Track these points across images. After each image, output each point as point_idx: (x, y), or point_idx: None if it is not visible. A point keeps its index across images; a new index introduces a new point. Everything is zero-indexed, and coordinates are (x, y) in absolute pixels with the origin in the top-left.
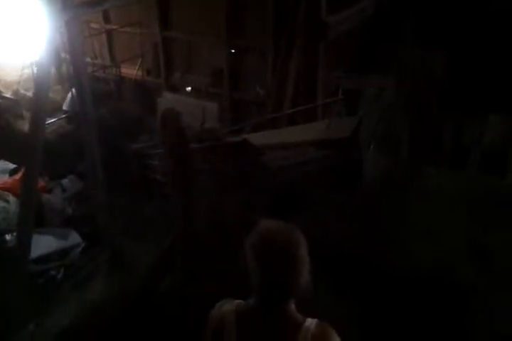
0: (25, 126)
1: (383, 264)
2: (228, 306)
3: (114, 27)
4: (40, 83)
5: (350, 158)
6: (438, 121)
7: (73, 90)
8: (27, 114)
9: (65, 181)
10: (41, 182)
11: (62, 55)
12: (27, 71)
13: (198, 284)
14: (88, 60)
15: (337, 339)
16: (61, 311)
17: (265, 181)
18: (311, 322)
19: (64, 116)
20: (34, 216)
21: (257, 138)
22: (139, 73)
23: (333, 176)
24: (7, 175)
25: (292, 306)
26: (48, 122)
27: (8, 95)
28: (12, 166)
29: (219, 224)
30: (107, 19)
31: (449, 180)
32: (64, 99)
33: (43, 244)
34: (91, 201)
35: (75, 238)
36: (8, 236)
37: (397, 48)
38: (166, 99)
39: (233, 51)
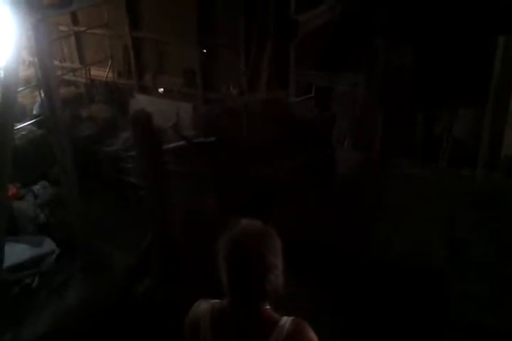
0: None
1: (359, 254)
2: (204, 306)
3: (82, 29)
4: (7, 87)
5: (323, 155)
6: (409, 114)
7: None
8: None
9: (36, 187)
10: (13, 189)
11: (31, 58)
12: None
13: (175, 287)
14: (57, 63)
15: (312, 335)
16: (38, 319)
17: (240, 179)
18: (286, 320)
19: (33, 120)
20: (6, 224)
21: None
22: (110, 75)
23: (307, 173)
24: None
25: (266, 305)
26: (17, 127)
27: None
28: None
29: (195, 225)
30: (75, 21)
31: (421, 171)
32: (33, 103)
33: (16, 252)
34: (64, 207)
35: (49, 245)
36: None
37: (367, 44)
38: (139, 101)
39: (205, 51)
